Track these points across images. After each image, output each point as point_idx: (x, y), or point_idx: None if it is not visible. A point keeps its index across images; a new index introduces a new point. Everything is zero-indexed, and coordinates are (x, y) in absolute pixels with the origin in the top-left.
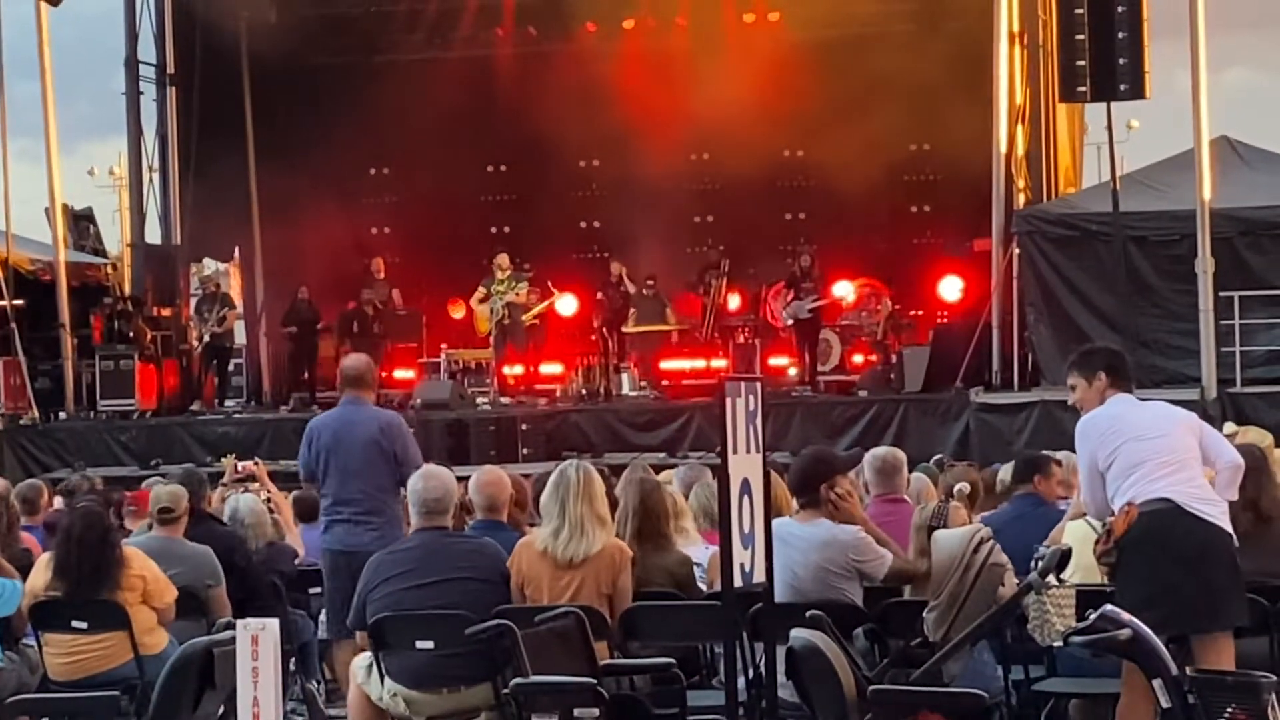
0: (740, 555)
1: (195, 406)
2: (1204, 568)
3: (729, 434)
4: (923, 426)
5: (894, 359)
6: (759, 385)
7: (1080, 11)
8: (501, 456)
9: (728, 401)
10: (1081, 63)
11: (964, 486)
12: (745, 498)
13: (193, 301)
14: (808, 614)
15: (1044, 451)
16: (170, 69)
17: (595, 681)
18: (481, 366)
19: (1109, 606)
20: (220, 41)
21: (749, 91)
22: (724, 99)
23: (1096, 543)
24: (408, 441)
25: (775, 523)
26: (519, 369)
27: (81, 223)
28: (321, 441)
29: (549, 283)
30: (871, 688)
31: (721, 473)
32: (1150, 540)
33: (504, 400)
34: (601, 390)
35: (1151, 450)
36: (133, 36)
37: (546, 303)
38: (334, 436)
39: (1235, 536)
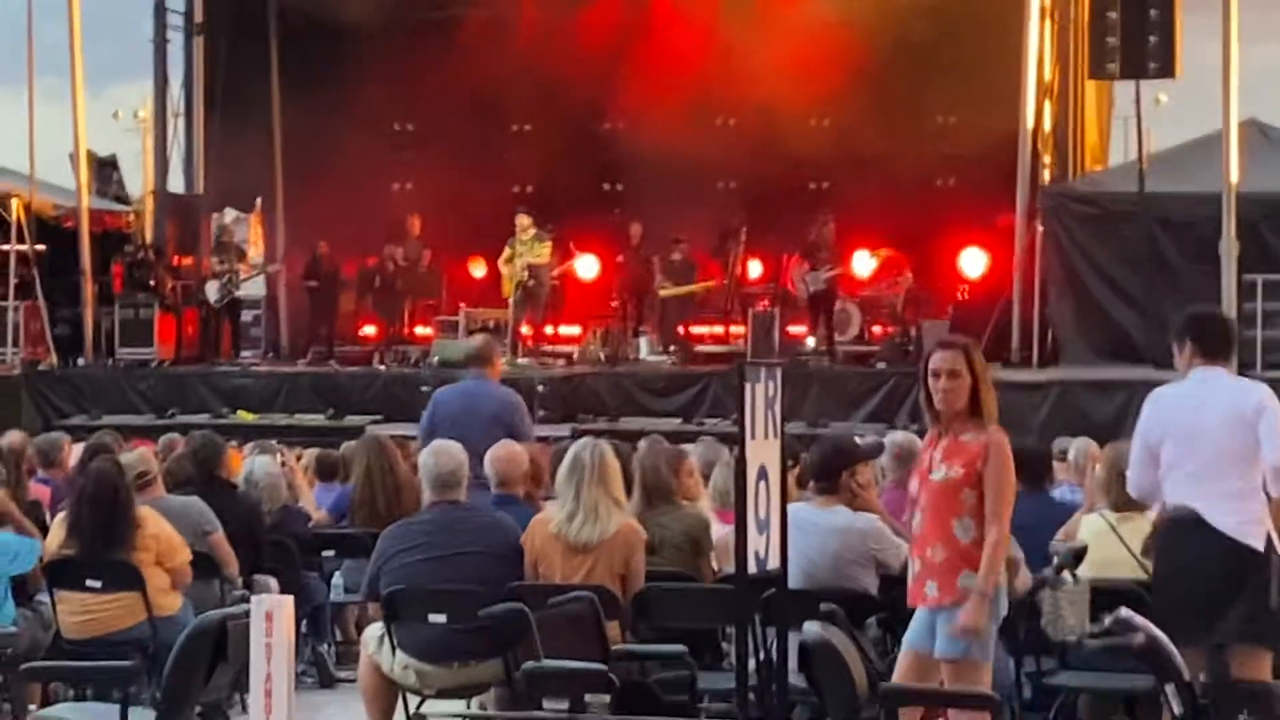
0: (755, 541)
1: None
2: (1205, 579)
3: (747, 419)
4: None
5: (913, 332)
6: (779, 370)
7: None
8: None
9: (746, 387)
10: (1112, 40)
11: None
12: (762, 483)
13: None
14: (821, 607)
15: (1057, 439)
16: (199, 18)
17: (606, 668)
18: (500, 326)
19: (1124, 610)
20: None
21: (776, 58)
22: (751, 65)
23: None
24: (524, 419)
25: (791, 508)
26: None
27: (105, 169)
28: (447, 411)
29: (571, 245)
30: (883, 685)
31: (739, 459)
32: (1164, 549)
33: (521, 361)
34: (619, 354)
35: (1188, 453)
36: None
37: (566, 265)
38: (460, 408)
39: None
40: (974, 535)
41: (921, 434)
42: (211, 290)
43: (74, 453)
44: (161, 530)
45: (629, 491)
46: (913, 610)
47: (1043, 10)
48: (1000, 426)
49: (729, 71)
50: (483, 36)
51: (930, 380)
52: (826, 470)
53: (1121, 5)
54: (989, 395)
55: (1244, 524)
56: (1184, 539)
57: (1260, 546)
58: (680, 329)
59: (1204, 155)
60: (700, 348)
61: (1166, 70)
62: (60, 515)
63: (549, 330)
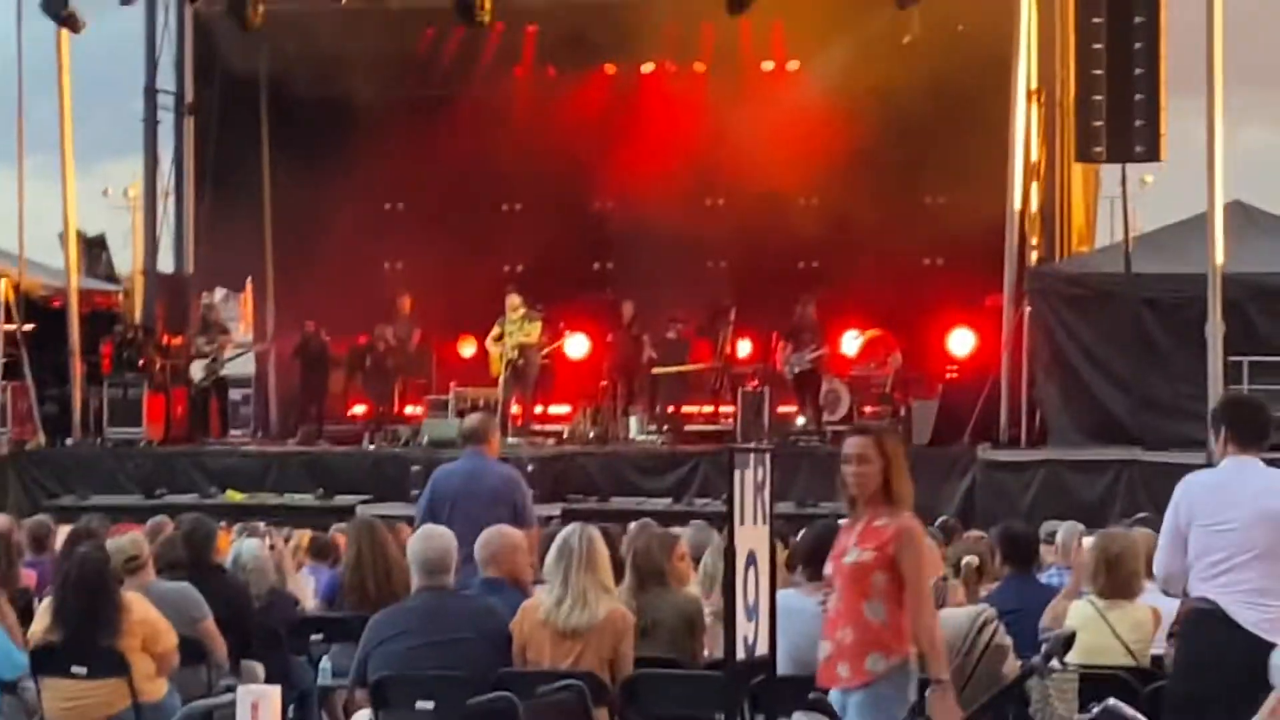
0: (744, 627)
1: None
2: (1225, 675)
3: (736, 505)
4: (928, 481)
5: (902, 412)
6: (768, 455)
7: (1098, 72)
8: None
9: (736, 473)
10: (1098, 123)
11: (972, 560)
12: (751, 569)
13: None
14: (810, 696)
15: (1046, 522)
16: (189, 98)
17: None
18: (490, 405)
19: (1113, 700)
20: (240, 72)
21: (765, 139)
22: (740, 145)
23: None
24: (526, 496)
25: (780, 595)
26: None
27: (94, 249)
28: (447, 489)
29: (560, 324)
30: None
31: (728, 545)
32: (1185, 640)
33: (511, 441)
34: (609, 433)
35: (1216, 544)
36: (152, 64)
37: (556, 344)
38: (462, 486)
39: None
40: (884, 618)
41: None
42: (196, 370)
43: (61, 535)
44: (148, 615)
45: (620, 574)
46: None
47: (1029, 93)
48: (914, 512)
49: (719, 152)
50: (473, 116)
51: (843, 466)
52: (815, 556)
53: (1107, 88)
54: (900, 481)
55: (1266, 621)
56: (1206, 632)
57: None
58: (670, 408)
59: (1190, 236)
60: (690, 427)
61: (1152, 153)
62: (46, 600)
63: (538, 409)
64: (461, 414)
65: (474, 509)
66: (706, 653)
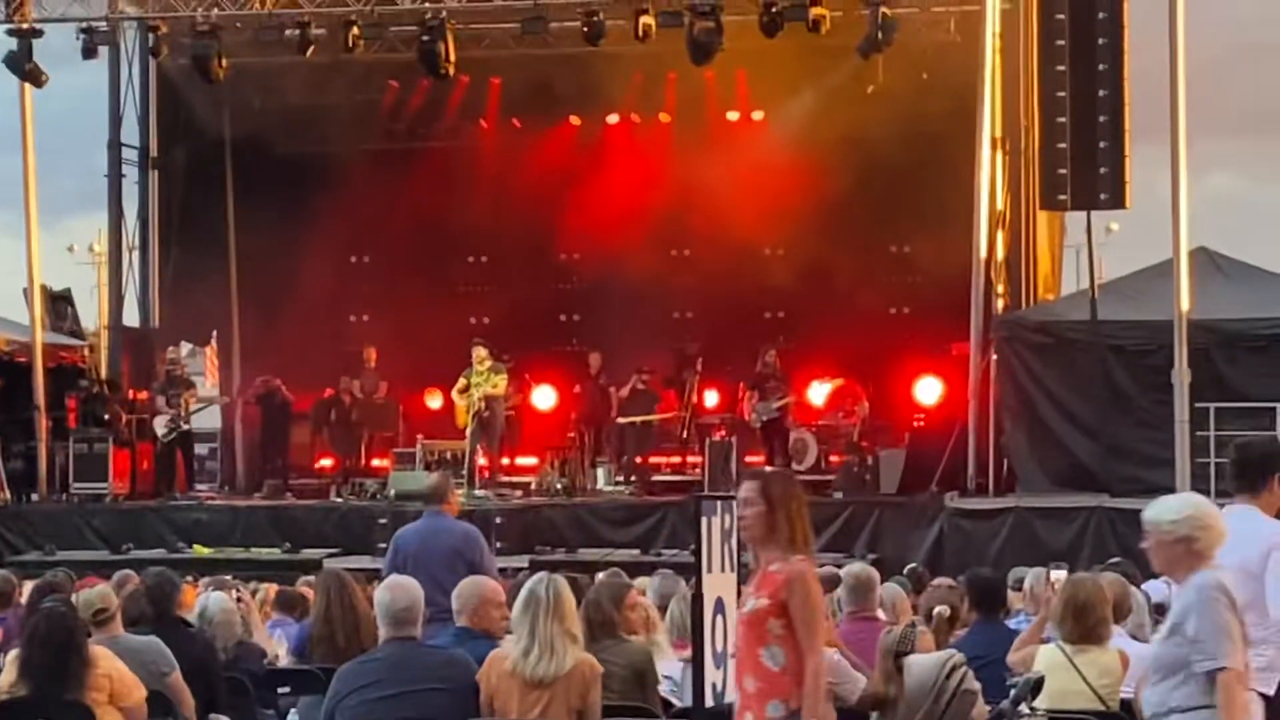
0: (712, 674)
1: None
2: None
3: (704, 553)
4: (897, 530)
5: (870, 461)
6: (734, 504)
7: (1062, 120)
8: None
9: (703, 520)
10: (1062, 171)
11: (943, 610)
12: (719, 616)
13: (154, 385)
14: None
15: (1015, 568)
16: (153, 152)
17: None
18: (457, 458)
19: None
20: (204, 126)
21: (731, 189)
22: (706, 196)
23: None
24: (485, 553)
25: None
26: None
27: (59, 303)
28: (408, 549)
29: (525, 375)
30: None
31: (695, 592)
32: None
33: (479, 493)
34: (577, 484)
35: None
36: (116, 119)
37: (521, 396)
38: (420, 544)
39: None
40: (783, 663)
41: (878, 564)
42: (159, 425)
43: (26, 590)
44: (115, 669)
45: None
46: None
47: (994, 141)
48: (806, 556)
49: (685, 202)
50: (438, 169)
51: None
52: None
53: (1072, 136)
54: (786, 524)
55: (1255, 671)
56: None
57: (1271, 692)
58: (638, 459)
59: (1155, 283)
60: (658, 477)
61: (1117, 201)
62: (12, 654)
63: (505, 461)
64: (429, 466)
65: (434, 567)
66: (678, 701)
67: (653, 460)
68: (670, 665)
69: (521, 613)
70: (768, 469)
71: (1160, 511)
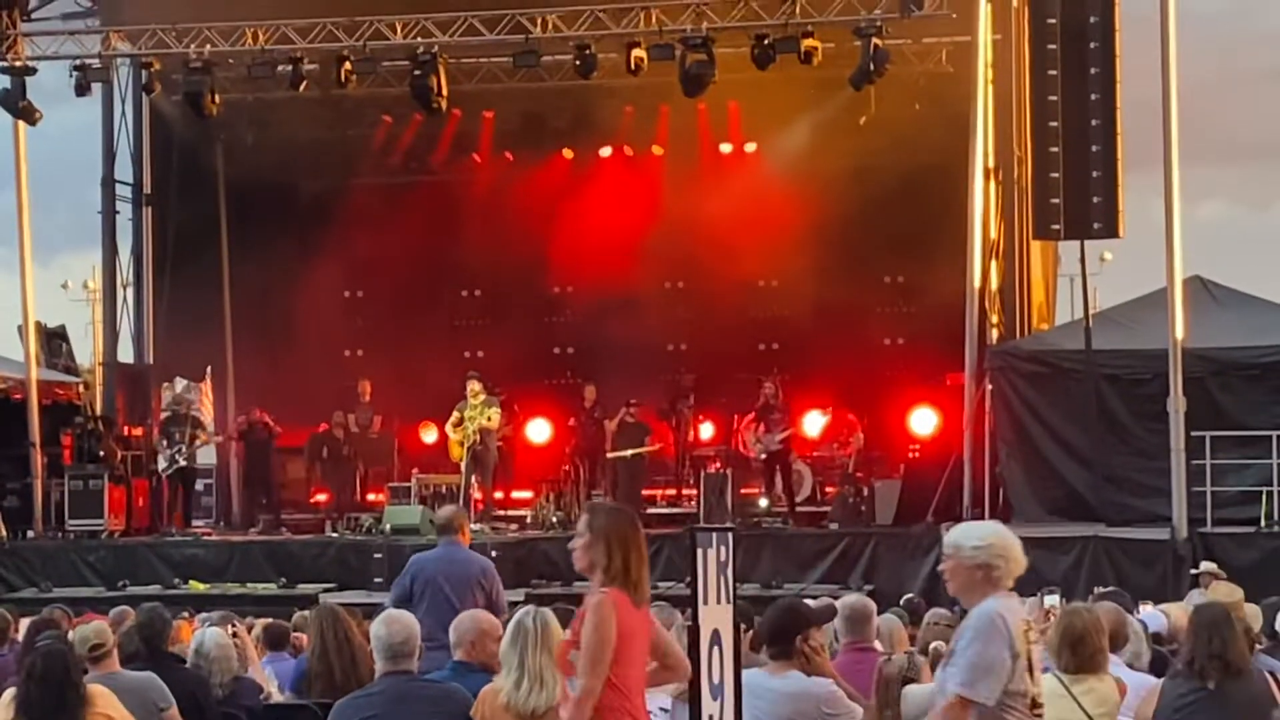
0: (710, 706)
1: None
2: None
3: (699, 585)
4: (893, 561)
5: (865, 492)
6: (730, 534)
7: (1055, 150)
8: None
9: (699, 552)
10: (1055, 200)
11: (941, 645)
12: (715, 649)
13: (161, 418)
14: None
15: None
16: (147, 189)
17: None
18: (452, 492)
19: None
20: (197, 162)
21: (724, 221)
22: (699, 228)
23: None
24: (499, 585)
25: (745, 674)
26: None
27: (54, 340)
28: (426, 575)
29: (515, 407)
30: None
31: (691, 625)
32: None
33: (474, 527)
34: (573, 517)
35: None
36: (110, 155)
37: (513, 429)
38: (440, 572)
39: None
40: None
41: (874, 595)
42: (160, 460)
43: (24, 627)
44: (111, 707)
45: None
46: None
47: (987, 171)
48: (619, 588)
49: (678, 234)
50: (431, 203)
51: None
52: (780, 635)
53: (1064, 165)
54: (604, 555)
55: None
56: None
57: None
58: (635, 491)
59: (1150, 312)
60: (652, 510)
61: (1110, 230)
62: (8, 693)
63: (499, 495)
64: (424, 500)
65: (453, 593)
66: None
67: (647, 493)
68: (662, 697)
69: (510, 645)
70: (605, 502)
71: (963, 536)
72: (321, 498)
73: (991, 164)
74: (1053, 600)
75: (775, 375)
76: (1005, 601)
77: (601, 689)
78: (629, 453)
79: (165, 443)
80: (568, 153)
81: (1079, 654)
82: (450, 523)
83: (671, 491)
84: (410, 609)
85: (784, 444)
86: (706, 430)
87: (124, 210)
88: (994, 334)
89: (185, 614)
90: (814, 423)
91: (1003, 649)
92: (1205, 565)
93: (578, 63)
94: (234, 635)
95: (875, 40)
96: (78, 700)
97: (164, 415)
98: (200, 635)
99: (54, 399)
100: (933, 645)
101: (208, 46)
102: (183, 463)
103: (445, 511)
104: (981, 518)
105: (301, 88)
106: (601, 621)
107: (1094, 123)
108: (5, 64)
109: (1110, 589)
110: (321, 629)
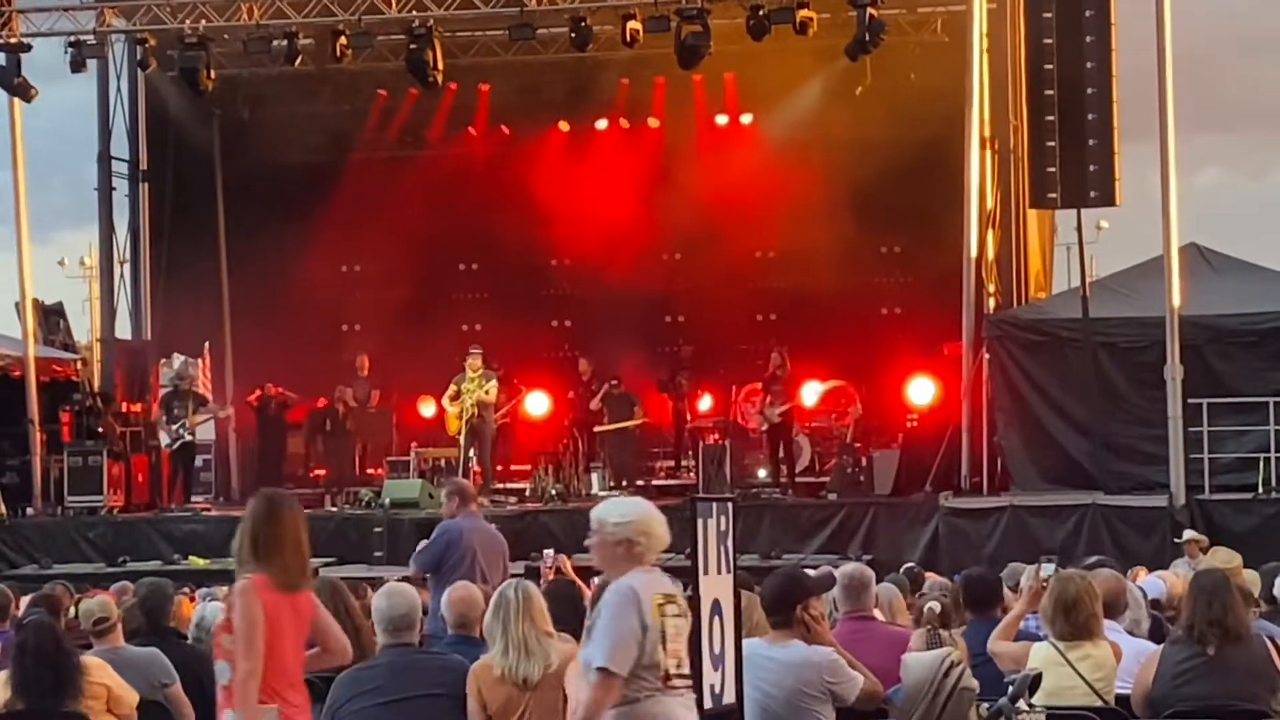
0: (710, 676)
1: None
2: None
3: (699, 555)
4: (892, 530)
5: (864, 462)
6: (730, 505)
7: (1051, 118)
8: None
9: (699, 522)
10: (1052, 169)
11: (934, 606)
12: (716, 618)
13: (161, 394)
14: None
15: (1011, 565)
16: (143, 164)
17: None
18: (451, 465)
19: None
20: (193, 138)
21: (721, 193)
22: (696, 200)
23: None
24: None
25: (745, 644)
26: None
27: (52, 317)
28: (465, 544)
29: (515, 380)
30: None
31: (692, 594)
32: None
33: None
34: (571, 490)
35: None
36: (106, 132)
37: (513, 401)
38: (477, 543)
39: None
40: (229, 678)
41: (873, 565)
42: (164, 436)
43: (24, 605)
44: (107, 677)
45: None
46: None
47: (983, 140)
48: (261, 570)
49: (674, 206)
50: (428, 176)
51: None
52: (780, 604)
53: (1060, 134)
54: (240, 541)
55: None
56: None
57: None
58: (631, 463)
59: (1146, 280)
60: (652, 482)
61: (1107, 198)
62: (3, 673)
63: (497, 468)
64: (423, 474)
65: (488, 566)
66: None
67: (645, 465)
68: None
69: (493, 617)
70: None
71: (607, 512)
72: (321, 472)
73: (987, 133)
74: (1049, 569)
75: (781, 347)
76: (644, 576)
77: (261, 669)
78: (614, 427)
79: (166, 418)
80: (564, 125)
81: (1072, 620)
82: (465, 492)
83: (670, 463)
84: (439, 576)
85: (784, 417)
86: (705, 402)
87: (120, 186)
88: (991, 303)
89: (186, 589)
90: (812, 393)
91: (634, 621)
92: (1189, 533)
93: (573, 35)
94: None
95: (870, 10)
96: (73, 669)
97: (164, 391)
98: (201, 609)
99: (52, 376)
100: (926, 607)
101: (203, 22)
102: (188, 438)
103: (462, 482)
104: (980, 487)
105: (297, 63)
106: (245, 605)
107: (1090, 91)
108: (0, 40)
109: (1097, 558)
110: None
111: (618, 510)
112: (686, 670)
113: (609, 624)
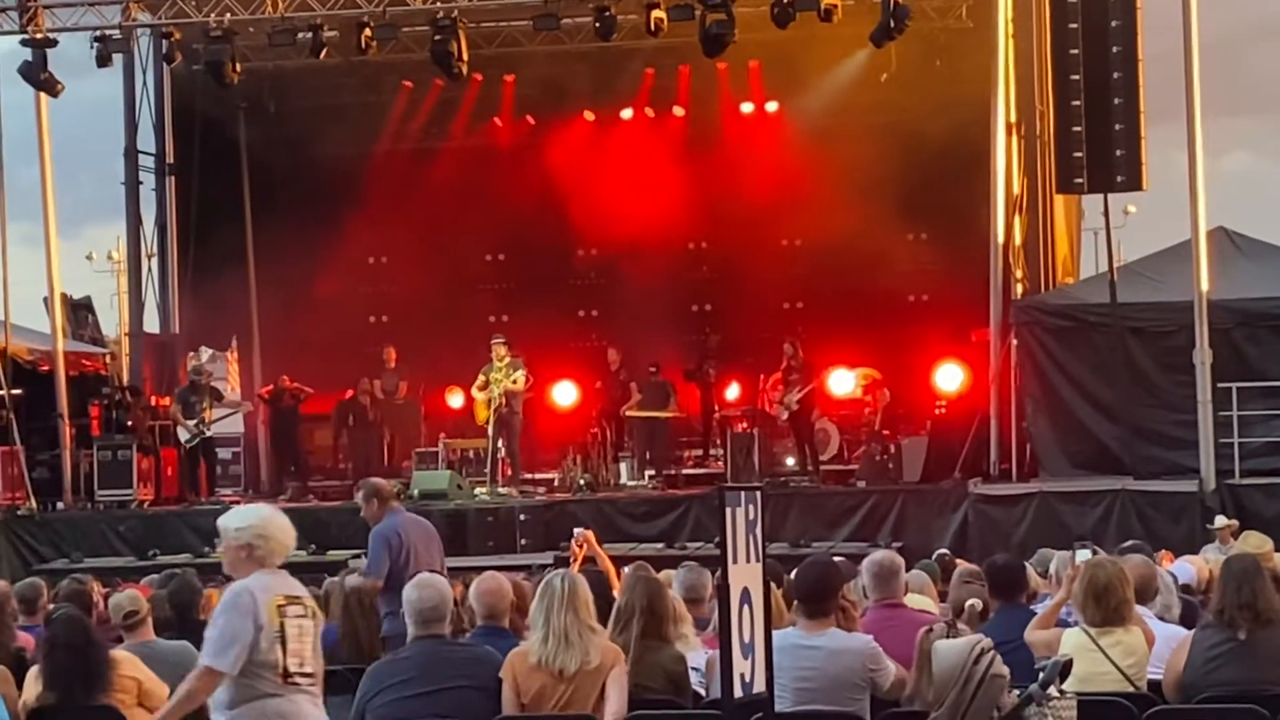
0: (740, 665)
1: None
2: None
3: (729, 544)
4: (921, 517)
5: (892, 449)
6: (759, 493)
7: (1077, 103)
8: (499, 547)
9: (727, 511)
10: (1078, 154)
11: (976, 604)
12: (745, 607)
13: (177, 389)
14: None
15: (1041, 550)
16: (170, 158)
17: None
18: (479, 456)
19: None
20: (219, 131)
21: (747, 181)
22: (722, 188)
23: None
24: None
25: (782, 633)
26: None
27: (80, 312)
28: (405, 541)
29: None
30: None
31: (721, 583)
32: None
33: (502, 490)
34: (600, 480)
35: None
36: (132, 126)
37: (535, 392)
38: (418, 537)
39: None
40: None
41: (902, 552)
42: (183, 432)
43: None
44: (138, 671)
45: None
46: None
47: (1009, 126)
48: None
49: (700, 195)
50: (454, 167)
51: None
52: (817, 593)
53: (1086, 119)
54: None
55: None
56: None
57: None
58: (661, 453)
59: (1175, 264)
60: (681, 471)
61: (1134, 183)
62: (35, 667)
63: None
64: (451, 465)
65: (429, 549)
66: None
67: (675, 455)
68: (697, 656)
69: (537, 605)
70: None
71: (230, 520)
72: (349, 464)
73: (1013, 119)
74: (1084, 555)
75: (797, 336)
76: (262, 579)
77: None
78: (644, 414)
79: (183, 413)
80: (589, 115)
81: (1104, 606)
82: (389, 490)
83: (698, 452)
84: (390, 580)
85: (801, 403)
86: (733, 391)
87: (147, 181)
88: (1018, 289)
89: (214, 583)
90: (841, 380)
91: (246, 621)
92: (1220, 520)
93: (597, 25)
94: None
95: None
96: (102, 661)
97: (180, 386)
98: None
99: (81, 370)
100: (969, 604)
101: (228, 15)
102: (208, 433)
103: (376, 483)
104: (1009, 473)
105: (322, 55)
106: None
107: (1116, 75)
108: (26, 36)
109: (1132, 542)
110: (345, 596)
111: (239, 517)
112: (310, 670)
113: (217, 623)
